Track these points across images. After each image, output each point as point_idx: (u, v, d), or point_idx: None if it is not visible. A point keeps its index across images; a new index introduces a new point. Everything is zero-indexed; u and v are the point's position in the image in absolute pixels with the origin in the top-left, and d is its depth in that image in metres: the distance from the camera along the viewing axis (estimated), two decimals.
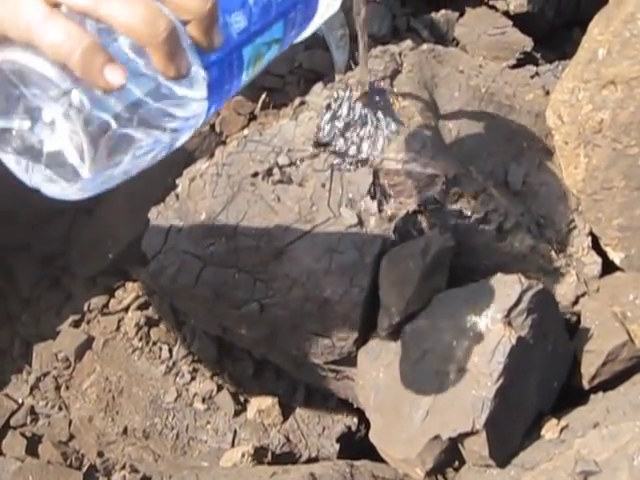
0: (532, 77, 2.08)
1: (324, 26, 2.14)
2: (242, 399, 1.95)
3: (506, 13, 2.22)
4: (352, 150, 1.67)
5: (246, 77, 1.04)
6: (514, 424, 1.56)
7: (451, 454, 1.56)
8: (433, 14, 2.27)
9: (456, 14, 2.28)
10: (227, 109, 2.10)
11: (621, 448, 1.39)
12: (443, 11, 2.27)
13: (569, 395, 1.69)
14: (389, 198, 1.68)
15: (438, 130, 1.73)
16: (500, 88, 1.80)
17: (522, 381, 1.53)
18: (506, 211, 1.69)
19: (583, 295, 1.73)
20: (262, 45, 1.05)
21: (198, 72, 0.89)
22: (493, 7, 2.23)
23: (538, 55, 2.24)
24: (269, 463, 1.85)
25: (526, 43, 2.20)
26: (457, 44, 2.25)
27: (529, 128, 1.81)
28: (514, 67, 2.17)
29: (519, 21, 2.22)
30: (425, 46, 1.81)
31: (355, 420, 1.93)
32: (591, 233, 1.77)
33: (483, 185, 1.70)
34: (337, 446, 1.91)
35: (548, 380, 1.62)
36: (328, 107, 1.70)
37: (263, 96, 2.10)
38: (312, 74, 2.12)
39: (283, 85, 2.14)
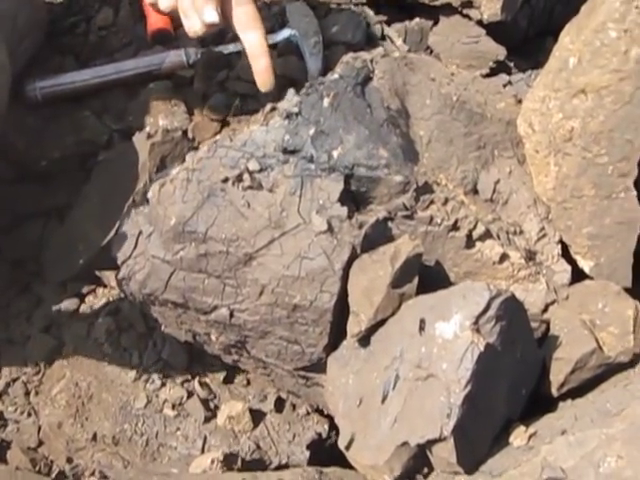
0: (505, 86, 2.10)
1: (298, 33, 2.15)
2: (212, 406, 1.94)
3: (480, 22, 2.22)
4: (323, 156, 1.67)
5: None
6: (482, 431, 1.56)
7: (420, 461, 1.56)
8: (407, 22, 2.27)
9: (430, 22, 2.28)
10: (199, 115, 2.10)
11: (587, 455, 1.39)
12: (417, 19, 2.27)
13: (538, 402, 1.69)
14: (359, 205, 1.68)
15: (409, 137, 1.74)
16: (472, 96, 1.81)
17: (490, 388, 1.54)
18: (476, 219, 1.70)
19: (552, 303, 1.73)
20: None
21: None
22: (467, 16, 2.23)
23: (511, 64, 2.25)
24: (239, 469, 1.84)
25: (499, 52, 2.20)
26: (431, 52, 2.25)
27: (500, 136, 1.81)
28: (487, 76, 2.19)
29: (493, 30, 2.22)
30: (397, 53, 1.82)
31: (326, 427, 1.93)
32: (561, 241, 1.78)
33: (453, 192, 1.70)
34: (307, 453, 1.91)
35: (517, 387, 1.62)
36: (299, 113, 1.70)
37: (236, 102, 2.10)
38: (285, 80, 2.11)
39: (256, 91, 2.13)
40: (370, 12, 2.28)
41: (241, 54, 2.17)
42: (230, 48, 2.19)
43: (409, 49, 2.21)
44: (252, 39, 1.83)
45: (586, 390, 1.69)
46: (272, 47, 2.16)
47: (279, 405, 1.95)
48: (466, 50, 2.22)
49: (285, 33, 2.19)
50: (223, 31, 2.21)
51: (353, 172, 1.66)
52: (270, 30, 2.22)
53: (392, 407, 1.55)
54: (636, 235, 1.74)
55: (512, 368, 1.58)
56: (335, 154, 1.67)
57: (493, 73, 2.19)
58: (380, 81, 1.74)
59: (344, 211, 1.65)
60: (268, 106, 1.75)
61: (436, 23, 2.29)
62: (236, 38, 2.18)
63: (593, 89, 1.69)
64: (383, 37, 2.25)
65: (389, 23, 2.28)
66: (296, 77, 2.11)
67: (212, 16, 1.70)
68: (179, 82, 2.17)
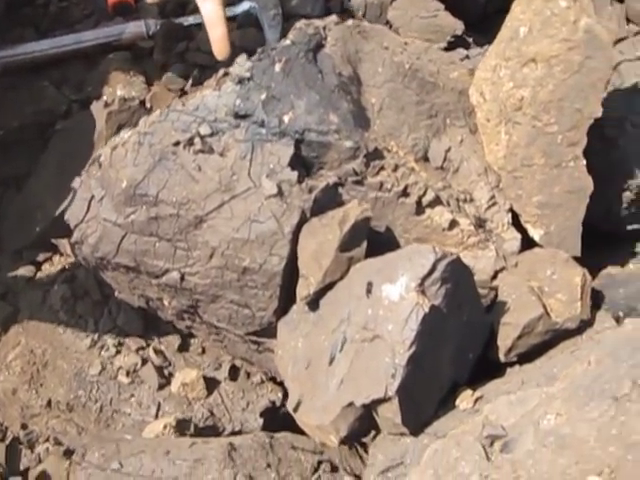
0: (462, 60, 2.11)
1: (257, 5, 2.16)
2: (167, 373, 1.95)
3: None
4: (273, 121, 1.68)
5: None
6: (428, 393, 1.58)
7: (366, 422, 1.57)
8: None
9: None
10: (158, 85, 2.11)
11: (528, 413, 1.41)
12: None
13: (486, 367, 1.70)
14: (310, 169, 1.69)
15: (361, 104, 1.75)
16: (424, 65, 1.82)
17: (436, 350, 1.55)
18: (426, 185, 1.71)
19: (502, 270, 1.75)
20: None
21: None
22: None
23: (470, 39, 2.26)
24: (191, 435, 1.85)
25: (457, 26, 2.22)
26: (390, 26, 2.26)
27: (452, 105, 1.83)
28: (445, 50, 2.20)
29: (451, 5, 2.24)
30: (350, 21, 1.83)
31: (280, 395, 1.94)
32: (511, 210, 1.80)
33: (404, 159, 1.71)
34: (261, 420, 1.92)
35: (463, 351, 1.63)
36: (250, 78, 1.71)
37: (194, 73, 2.11)
38: (244, 52, 2.12)
39: (215, 63, 2.14)
40: None
41: (201, 26, 2.18)
42: (190, 20, 2.20)
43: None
44: (209, 8, 1.84)
45: (534, 356, 1.70)
46: (232, 19, 2.19)
47: (233, 373, 1.97)
48: (424, 24, 2.23)
49: (245, 5, 2.21)
50: (183, 3, 2.22)
51: (304, 137, 1.67)
52: (230, 2, 2.24)
53: (339, 369, 1.56)
54: (585, 204, 1.76)
55: (458, 331, 1.60)
56: (286, 119, 1.68)
57: (451, 47, 2.21)
58: (332, 48, 1.75)
59: (294, 175, 1.66)
60: (221, 71, 1.75)
61: None
62: (196, 10, 2.20)
63: (543, 58, 1.71)
64: (343, 10, 2.27)
65: None
66: (255, 49, 2.11)
67: None
68: (138, 53, 2.19)
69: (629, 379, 1.32)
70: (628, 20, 2.36)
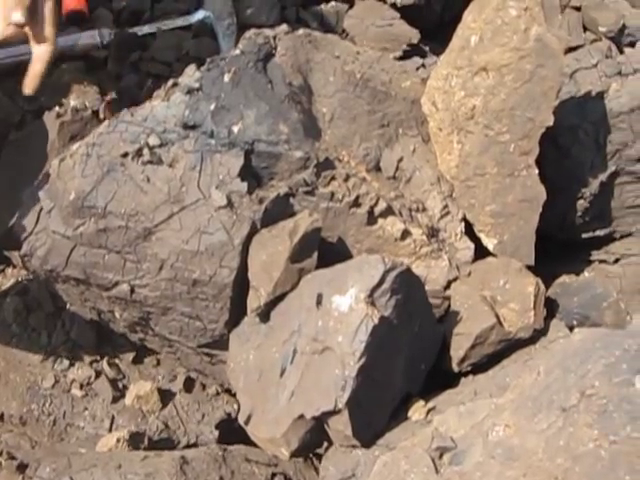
0: (418, 69, 2.11)
1: (212, 14, 2.15)
2: (121, 385, 1.94)
3: (394, 5, 2.24)
4: (223, 132, 1.67)
5: None
6: (379, 404, 1.57)
7: (317, 435, 1.57)
8: (323, 5, 2.29)
9: (345, 6, 2.30)
10: (111, 96, 2.10)
11: (477, 424, 1.40)
12: (333, 3, 2.29)
13: (439, 378, 1.70)
14: (260, 180, 1.68)
15: (311, 113, 1.74)
16: (376, 74, 1.81)
17: (387, 361, 1.54)
18: (377, 195, 1.70)
19: (455, 280, 1.74)
20: None
21: None
22: None
23: (426, 48, 2.27)
24: (145, 449, 1.84)
25: (413, 35, 2.23)
26: (346, 35, 2.26)
27: (405, 114, 1.82)
28: (401, 58, 2.20)
29: (407, 14, 2.24)
30: (301, 31, 1.82)
31: (235, 406, 1.93)
32: (464, 219, 1.79)
33: (355, 169, 1.71)
34: (216, 433, 1.91)
35: (415, 362, 1.63)
36: (199, 89, 1.70)
37: (149, 83, 2.10)
38: (199, 62, 2.11)
39: (170, 72, 2.14)
40: None
41: (155, 35, 2.17)
42: (144, 29, 2.19)
43: (324, 32, 2.22)
44: (43, 49, 1.79)
45: (487, 366, 1.70)
46: (187, 28, 2.17)
47: (188, 385, 1.95)
48: (380, 33, 2.23)
49: (199, 15, 2.20)
50: (137, 12, 2.21)
51: (253, 147, 1.67)
52: (185, 12, 2.23)
53: (290, 381, 1.55)
54: (539, 213, 1.76)
55: (409, 342, 1.59)
56: (235, 129, 1.67)
57: (407, 56, 2.21)
58: (282, 57, 1.74)
59: (244, 186, 1.65)
60: (170, 82, 1.74)
61: (352, 6, 2.30)
62: (151, 19, 2.19)
63: (494, 67, 1.71)
64: (299, 20, 2.26)
65: (305, 6, 2.30)
66: (209, 58, 2.11)
67: (17, 17, 1.68)
68: (92, 63, 2.17)
69: (577, 390, 1.31)
70: (585, 28, 2.37)
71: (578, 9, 2.39)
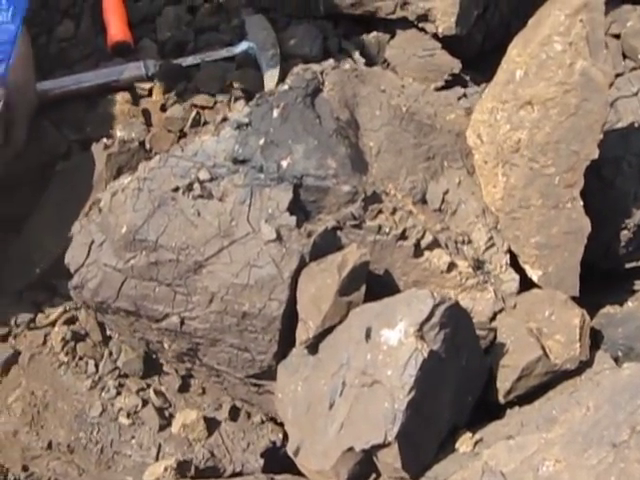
0: (459, 99, 2.12)
1: (256, 45, 2.17)
2: (167, 414, 1.95)
3: (435, 36, 2.25)
4: (272, 166, 1.69)
5: None
6: (427, 437, 1.58)
7: (366, 466, 1.58)
8: (364, 36, 2.30)
9: (387, 36, 2.31)
10: (158, 126, 2.12)
11: (527, 459, 1.41)
12: (374, 33, 2.30)
13: (485, 409, 1.71)
14: (308, 214, 1.70)
15: (358, 148, 1.76)
16: (421, 107, 1.83)
17: (435, 395, 1.56)
18: (424, 228, 1.72)
19: (500, 311, 1.75)
20: None
21: None
22: (423, 29, 2.26)
23: (467, 77, 2.27)
24: (192, 477, 1.85)
25: (454, 65, 2.23)
26: (388, 65, 2.28)
27: (450, 147, 1.84)
28: (443, 88, 2.21)
29: (448, 44, 2.25)
30: (348, 65, 1.84)
31: (280, 435, 1.93)
32: (509, 251, 1.80)
33: (402, 202, 1.72)
34: (261, 461, 1.92)
35: (462, 394, 1.64)
36: (249, 124, 1.72)
37: (193, 114, 2.12)
38: (243, 93, 2.14)
39: (214, 103, 2.16)
40: (328, 25, 2.31)
41: (199, 66, 2.19)
42: (189, 60, 2.21)
43: (366, 62, 2.24)
44: None
45: (533, 397, 1.71)
46: (230, 59, 2.20)
47: (234, 413, 1.96)
48: (422, 63, 2.24)
49: (243, 46, 2.22)
50: (182, 43, 2.24)
51: (302, 182, 1.69)
52: (229, 43, 2.25)
53: (338, 413, 1.57)
54: (583, 244, 1.76)
55: (457, 375, 1.60)
56: (284, 164, 1.69)
57: (448, 86, 2.22)
58: (330, 92, 1.76)
59: (293, 220, 1.67)
60: (219, 116, 1.77)
61: (393, 36, 2.31)
62: (194, 51, 2.22)
63: (539, 101, 1.72)
64: (341, 50, 2.28)
65: (347, 36, 2.31)
66: (253, 89, 2.14)
67: None
68: (138, 94, 2.19)
69: (627, 426, 1.32)
70: (624, 56, 2.37)
71: (617, 37, 2.40)
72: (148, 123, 2.14)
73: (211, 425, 1.94)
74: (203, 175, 1.69)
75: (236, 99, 2.11)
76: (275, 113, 1.72)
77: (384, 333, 1.54)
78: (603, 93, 1.69)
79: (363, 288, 1.64)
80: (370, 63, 2.24)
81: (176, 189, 1.68)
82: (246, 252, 1.65)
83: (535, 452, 1.42)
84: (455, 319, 1.56)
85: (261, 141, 1.71)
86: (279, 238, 1.65)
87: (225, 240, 1.65)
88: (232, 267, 1.65)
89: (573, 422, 1.43)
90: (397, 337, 1.53)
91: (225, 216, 1.67)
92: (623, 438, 1.31)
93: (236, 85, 2.16)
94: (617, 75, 2.24)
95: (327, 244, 1.68)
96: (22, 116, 2.03)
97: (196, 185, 1.68)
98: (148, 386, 1.97)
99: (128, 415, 1.93)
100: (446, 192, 1.80)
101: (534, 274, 1.81)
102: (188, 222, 1.67)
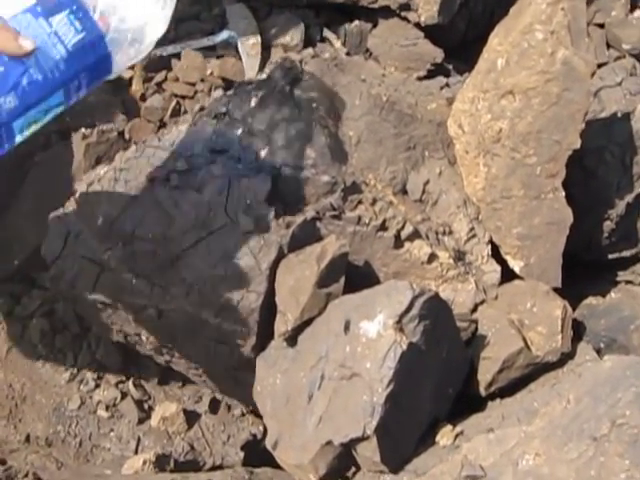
0: (442, 88, 2.10)
1: (236, 34, 2.15)
2: (146, 407, 1.94)
3: (418, 25, 2.23)
4: (250, 156, 1.67)
5: (20, 139, 1.29)
6: (407, 430, 1.57)
7: (345, 460, 1.56)
8: (347, 25, 2.28)
9: (369, 25, 2.29)
10: (137, 116, 2.10)
11: (506, 453, 1.40)
12: (356, 22, 2.28)
13: (467, 402, 1.70)
14: (287, 205, 1.68)
15: (338, 137, 1.74)
16: (402, 97, 1.82)
17: (415, 387, 1.54)
18: (404, 219, 1.70)
19: (482, 303, 1.74)
20: (37, 113, 1.29)
21: None
22: (405, 19, 2.24)
23: (450, 66, 2.26)
24: (171, 471, 1.84)
25: (437, 54, 2.22)
26: (370, 54, 2.26)
27: (431, 137, 1.82)
28: (425, 78, 2.19)
29: (431, 33, 2.24)
30: (327, 54, 1.83)
31: (261, 428, 1.93)
32: (491, 241, 1.79)
33: (382, 193, 1.71)
34: (242, 454, 1.91)
35: (443, 386, 1.63)
36: (227, 113, 1.70)
37: (173, 103, 2.10)
38: (223, 82, 2.12)
39: (194, 93, 2.14)
40: (310, 14, 2.29)
41: (180, 55, 2.17)
42: (169, 50, 2.19)
43: (348, 51, 2.22)
44: None
45: (515, 389, 1.70)
46: (211, 48, 2.18)
47: (214, 406, 1.95)
48: (404, 52, 2.23)
49: (224, 34, 2.20)
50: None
51: (280, 172, 1.67)
52: (210, 32, 2.23)
53: (317, 407, 1.55)
54: (565, 235, 1.76)
55: (438, 367, 1.59)
56: (262, 154, 1.67)
57: (431, 75, 2.20)
58: (309, 82, 1.74)
59: (271, 211, 1.65)
60: (197, 106, 1.75)
61: (375, 26, 2.29)
62: (175, 40, 2.20)
63: (521, 90, 1.71)
64: (322, 39, 2.26)
65: (328, 25, 2.29)
66: (234, 78, 2.12)
67: None
68: (117, 83, 2.17)
69: (608, 419, 1.31)
70: (608, 45, 2.36)
71: (601, 26, 2.39)
72: (128, 113, 2.12)
73: (191, 418, 1.93)
74: (180, 165, 1.67)
75: (216, 88, 2.09)
76: (253, 102, 1.70)
77: (363, 325, 1.53)
78: (585, 82, 1.67)
79: (342, 280, 1.62)
80: (352, 52, 2.22)
81: (153, 179, 1.66)
82: (224, 243, 1.63)
83: (515, 446, 1.40)
84: (435, 311, 1.55)
85: (239, 131, 1.69)
86: (257, 229, 1.63)
87: (203, 231, 1.64)
88: (210, 259, 1.63)
89: (553, 415, 1.41)
90: (376, 329, 1.51)
91: (202, 207, 1.65)
92: (603, 432, 1.30)
93: (216, 74, 2.14)
94: (601, 65, 2.23)
95: (306, 235, 1.67)
96: None
97: (173, 175, 1.66)
98: (127, 378, 1.96)
99: (107, 408, 1.92)
100: (427, 182, 1.78)
101: (516, 265, 1.80)
102: (165, 213, 1.64)
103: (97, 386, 1.94)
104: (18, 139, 1.30)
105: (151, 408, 1.94)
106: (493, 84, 1.73)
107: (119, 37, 1.35)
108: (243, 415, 1.94)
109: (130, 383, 1.95)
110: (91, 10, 1.33)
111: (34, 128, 1.31)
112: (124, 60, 1.38)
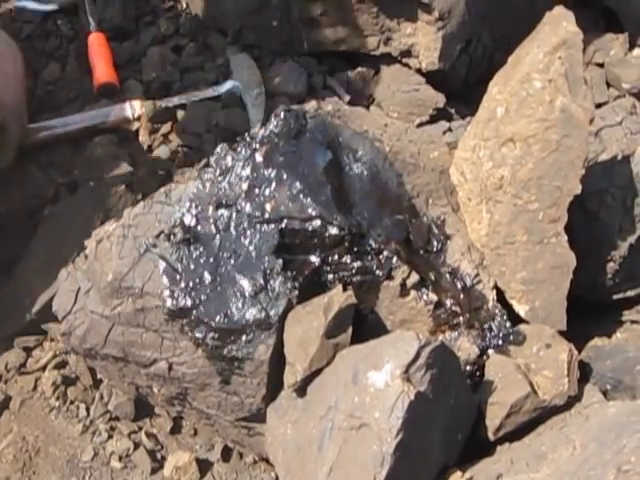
0: (445, 132, 2.13)
1: (241, 84, 2.19)
2: (159, 456, 1.95)
3: (419, 71, 2.26)
4: (256, 210, 1.69)
5: None
6: (417, 478, 1.58)
7: None
8: (349, 72, 2.31)
9: (372, 72, 2.32)
10: (144, 167, 2.13)
11: None
12: (359, 69, 2.31)
13: (476, 447, 1.71)
14: (294, 256, 1.70)
15: (343, 188, 1.76)
16: (405, 146, 1.84)
17: (424, 435, 1.56)
18: (410, 267, 1.72)
19: (488, 348, 1.75)
20: None
21: None
22: (407, 65, 2.27)
23: (452, 110, 2.29)
24: None
25: (439, 99, 2.24)
26: (373, 101, 2.29)
27: (434, 185, 1.85)
28: (428, 123, 2.22)
29: (432, 78, 2.26)
30: (330, 106, 1.85)
31: (273, 475, 1.94)
32: (496, 286, 1.80)
33: (387, 242, 1.73)
34: None
35: (452, 433, 1.64)
36: (232, 168, 1.73)
37: (179, 154, 2.13)
38: (229, 132, 2.15)
39: (200, 143, 2.17)
40: (313, 62, 2.32)
41: (185, 106, 2.20)
42: (174, 101, 2.22)
43: (351, 98, 2.25)
44: None
45: (523, 433, 1.71)
46: (216, 99, 2.21)
47: (226, 454, 1.97)
48: (407, 98, 2.25)
49: (228, 85, 2.23)
50: (167, 84, 2.25)
51: (287, 225, 1.69)
52: (214, 82, 2.26)
53: (328, 457, 1.57)
54: (569, 279, 1.77)
55: (446, 414, 1.60)
56: (268, 207, 1.69)
57: (433, 120, 2.23)
58: (313, 134, 1.77)
59: (279, 263, 1.67)
60: (202, 161, 1.77)
61: (377, 72, 2.33)
62: (180, 90, 2.23)
63: (521, 138, 1.73)
64: (325, 87, 2.29)
65: (331, 73, 2.32)
66: (239, 128, 2.14)
67: None
68: (124, 135, 2.20)
69: (613, 466, 1.33)
70: (608, 85, 2.39)
71: (601, 65, 2.42)
72: (135, 165, 2.15)
73: (203, 466, 1.94)
74: (187, 220, 1.69)
75: (222, 139, 2.11)
76: (258, 157, 1.72)
77: (371, 375, 1.54)
78: (584, 129, 1.69)
79: (349, 330, 1.65)
80: (355, 99, 2.25)
81: (160, 235, 1.68)
82: (232, 296, 1.65)
83: None
84: (441, 359, 1.56)
85: (244, 185, 1.71)
86: (265, 282, 1.65)
87: (211, 285, 1.66)
88: (219, 312, 1.65)
89: (560, 462, 1.43)
90: (384, 379, 1.53)
91: (210, 262, 1.67)
92: (609, 478, 1.31)
93: (222, 125, 2.17)
94: (601, 104, 2.25)
95: (313, 286, 1.69)
96: (13, 136, 2.03)
97: (178, 230, 1.68)
98: (140, 429, 1.98)
99: (120, 459, 1.94)
100: (430, 230, 1.80)
101: (521, 309, 1.81)
102: (172, 269, 1.67)
103: (110, 437, 1.96)
104: None
105: (164, 458, 1.95)
106: (494, 132, 1.75)
107: None
108: (255, 462, 1.95)
109: (142, 433, 1.96)
110: None
111: None
112: None
